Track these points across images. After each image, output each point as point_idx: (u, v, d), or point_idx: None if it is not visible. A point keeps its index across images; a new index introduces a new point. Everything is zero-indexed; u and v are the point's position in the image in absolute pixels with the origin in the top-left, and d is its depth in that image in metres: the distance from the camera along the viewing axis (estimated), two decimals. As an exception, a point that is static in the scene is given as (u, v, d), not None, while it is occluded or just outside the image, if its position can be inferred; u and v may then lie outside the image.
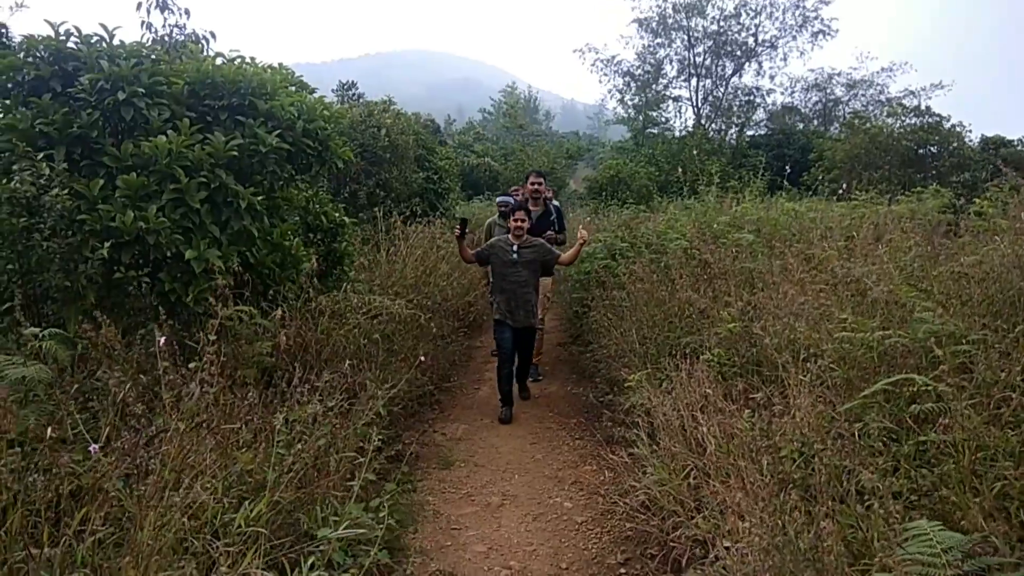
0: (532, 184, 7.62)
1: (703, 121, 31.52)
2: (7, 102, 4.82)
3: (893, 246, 5.10)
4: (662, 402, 4.04)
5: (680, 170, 17.72)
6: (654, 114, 31.97)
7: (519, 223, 6.32)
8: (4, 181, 4.18)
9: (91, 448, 2.40)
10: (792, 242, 6.16)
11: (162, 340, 3.08)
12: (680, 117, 33.02)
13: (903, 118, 18.70)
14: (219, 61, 5.45)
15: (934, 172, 17.14)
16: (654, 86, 31.74)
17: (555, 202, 8.32)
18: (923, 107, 19.27)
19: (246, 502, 2.89)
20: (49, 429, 2.57)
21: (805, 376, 3.41)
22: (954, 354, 3.18)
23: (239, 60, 5.61)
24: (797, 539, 2.28)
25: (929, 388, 2.70)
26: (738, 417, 3.53)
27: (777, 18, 30.38)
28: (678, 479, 3.51)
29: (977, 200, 5.11)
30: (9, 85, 4.77)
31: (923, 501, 2.50)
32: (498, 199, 8.65)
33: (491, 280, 6.80)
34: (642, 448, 3.91)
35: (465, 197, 22.70)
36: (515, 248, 6.30)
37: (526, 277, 6.31)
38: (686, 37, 30.99)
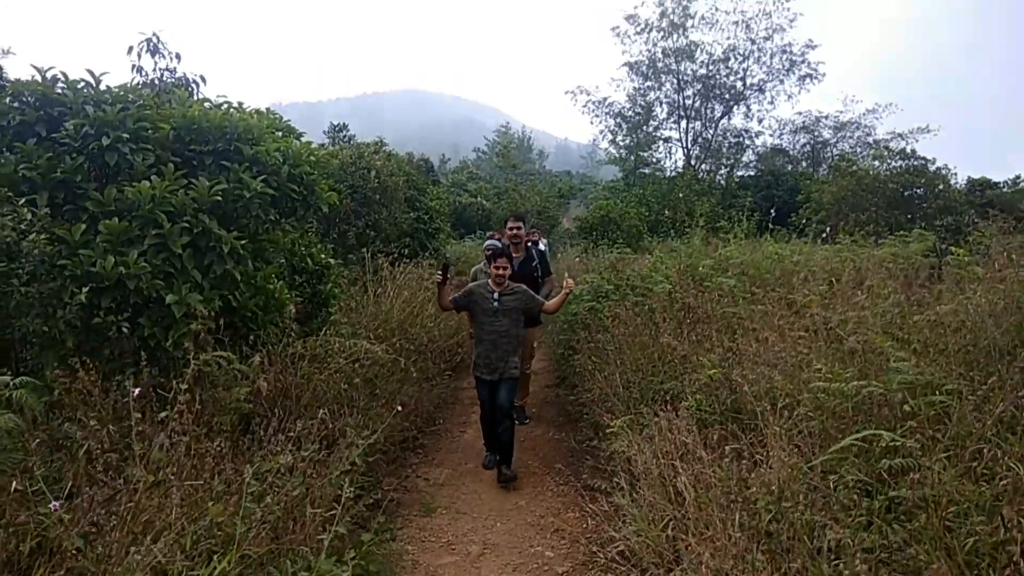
0: (510, 229, 7.27)
1: (693, 162, 31.92)
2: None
3: (874, 292, 5.13)
4: (641, 449, 4.01)
5: (667, 211, 17.86)
6: (645, 155, 32.39)
7: (500, 270, 5.92)
8: (-15, 226, 4.18)
9: (52, 504, 2.37)
10: (775, 286, 6.18)
11: (136, 391, 3.05)
12: (671, 158, 33.46)
13: (889, 161, 18.95)
14: (206, 106, 5.50)
15: (920, 214, 17.33)
16: (645, 127, 32.20)
17: (544, 242, 8.25)
18: (909, 150, 19.57)
19: (215, 557, 2.85)
20: (14, 483, 2.53)
21: (782, 426, 3.40)
22: (929, 405, 3.18)
23: (225, 106, 5.67)
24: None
25: (897, 443, 2.69)
26: (716, 466, 3.51)
27: (764, 63, 31.00)
28: (656, 530, 3.48)
29: (953, 249, 5.16)
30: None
31: (895, 557, 2.48)
32: (486, 243, 8.36)
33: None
34: (621, 498, 3.87)
35: (458, 236, 22.84)
36: (496, 296, 5.91)
37: (507, 327, 5.90)
38: (676, 80, 31.54)
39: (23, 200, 4.41)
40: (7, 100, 4.74)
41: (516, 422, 6.62)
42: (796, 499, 2.74)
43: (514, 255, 7.07)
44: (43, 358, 4.45)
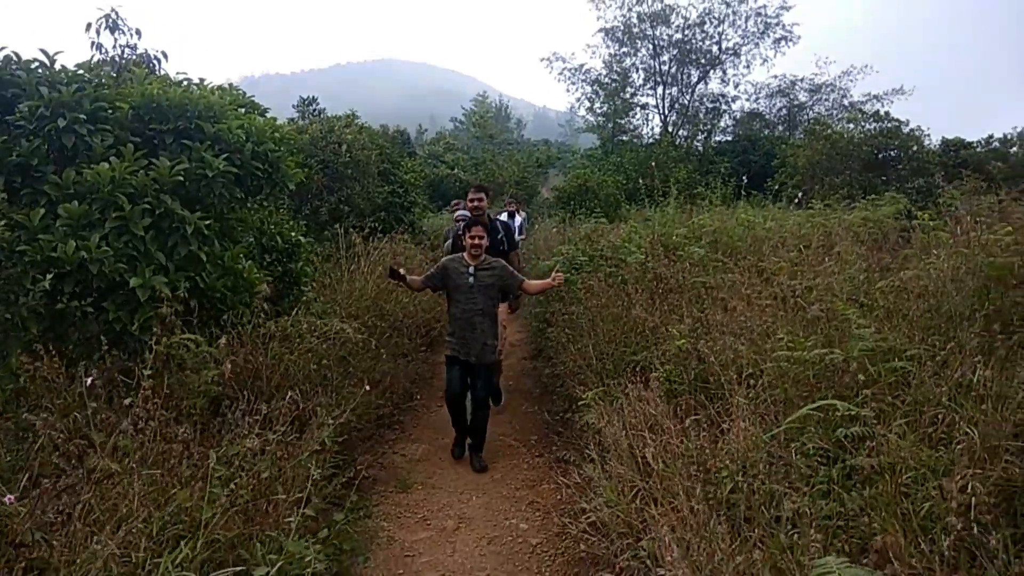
0: (471, 201, 6.70)
1: (670, 128, 31.85)
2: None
3: (842, 259, 5.17)
4: (611, 421, 4.05)
5: (640, 180, 17.85)
6: (623, 122, 32.29)
7: (476, 240, 5.49)
8: (-63, 214, 4.10)
9: (7, 498, 2.35)
10: (745, 254, 6.21)
11: (89, 380, 3.02)
12: (648, 125, 33.38)
13: (862, 123, 19.01)
14: (166, 84, 5.38)
15: (895, 176, 17.45)
16: (621, 94, 32.03)
17: (522, 214, 8.07)
18: (882, 112, 19.64)
19: (182, 542, 2.84)
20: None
21: (745, 395, 3.44)
22: (890, 371, 3.22)
23: (186, 82, 5.56)
24: (725, 568, 2.29)
25: (852, 412, 2.73)
26: (683, 436, 3.55)
27: (739, 26, 30.88)
28: (625, 501, 3.52)
29: (918, 214, 5.21)
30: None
31: (851, 524, 2.52)
32: (456, 214, 7.93)
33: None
34: (592, 470, 3.91)
35: (435, 208, 22.71)
36: (471, 270, 5.48)
37: (482, 304, 5.47)
38: (651, 46, 31.34)
39: (-22, 186, 4.32)
40: (-42, 83, 4.61)
41: (491, 404, 6.15)
42: (756, 469, 2.78)
43: None
44: (7, 346, 4.39)
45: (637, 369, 4.73)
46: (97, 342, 4.38)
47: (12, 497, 2.37)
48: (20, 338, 4.38)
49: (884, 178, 17.47)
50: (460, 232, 6.11)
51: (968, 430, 2.71)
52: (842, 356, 3.27)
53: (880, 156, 18.12)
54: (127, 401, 3.35)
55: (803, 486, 2.67)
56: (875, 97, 29.38)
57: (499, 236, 6.80)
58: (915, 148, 18.14)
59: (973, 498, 2.28)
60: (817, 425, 3.06)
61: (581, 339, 5.96)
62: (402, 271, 5.58)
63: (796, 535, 2.41)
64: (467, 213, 7.17)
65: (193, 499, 3.06)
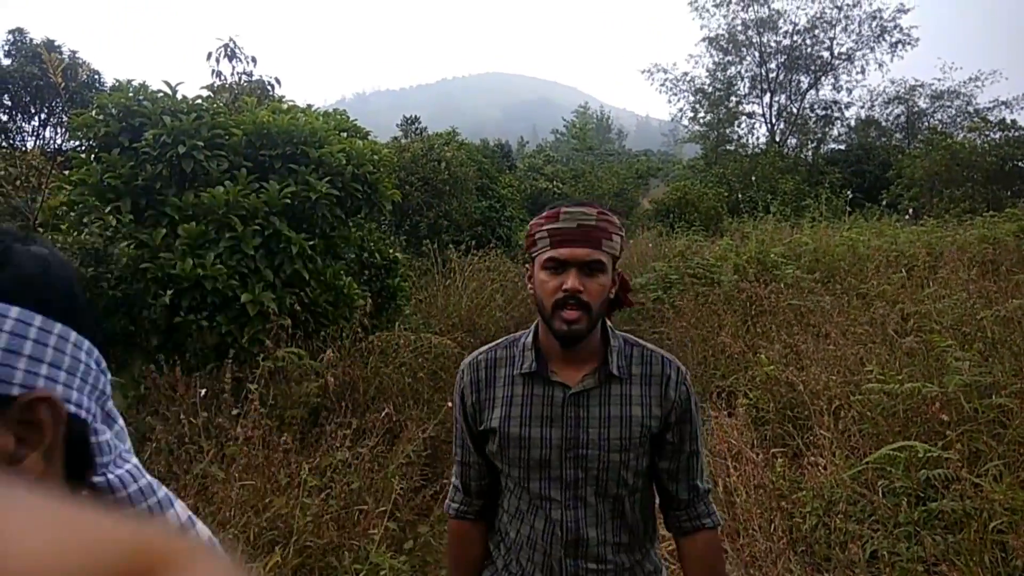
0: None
1: (777, 137, 30.75)
2: (82, 156, 5.24)
3: (948, 283, 4.92)
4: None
5: (740, 194, 17.36)
6: (727, 131, 31.41)
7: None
8: (75, 233, 4.54)
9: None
10: (846, 275, 5.98)
11: (202, 392, 3.28)
12: (753, 134, 32.31)
13: (986, 132, 17.82)
14: (275, 111, 5.74)
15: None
16: (726, 103, 31.19)
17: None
18: (1009, 120, 18.35)
19: (276, 548, 3.05)
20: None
21: (832, 430, 3.34)
22: (988, 407, 3.06)
23: (293, 109, 5.91)
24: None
25: (933, 454, 2.61)
26: (770, 466, 3.49)
27: (853, 30, 29.45)
28: (705, 530, 3.48)
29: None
30: (86, 143, 5.19)
31: (932, 571, 2.41)
32: None
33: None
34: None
35: (533, 221, 22.80)
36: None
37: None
38: (757, 53, 30.41)
39: (109, 207, 4.76)
40: (93, 113, 5.10)
41: None
42: (839, 507, 2.70)
43: None
44: (130, 355, 4.80)
45: (723, 394, 4.66)
46: (213, 353, 4.74)
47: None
48: (142, 348, 4.78)
49: (1011, 191, 16.34)
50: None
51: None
52: (936, 390, 3.12)
53: (1007, 167, 16.92)
54: (235, 412, 3.60)
55: (884, 527, 2.58)
56: (1003, 103, 27.35)
57: None
58: (1047, 158, 16.87)
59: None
60: (902, 464, 2.94)
61: (671, 359, 5.90)
62: None
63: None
64: None
65: (288, 507, 3.27)
